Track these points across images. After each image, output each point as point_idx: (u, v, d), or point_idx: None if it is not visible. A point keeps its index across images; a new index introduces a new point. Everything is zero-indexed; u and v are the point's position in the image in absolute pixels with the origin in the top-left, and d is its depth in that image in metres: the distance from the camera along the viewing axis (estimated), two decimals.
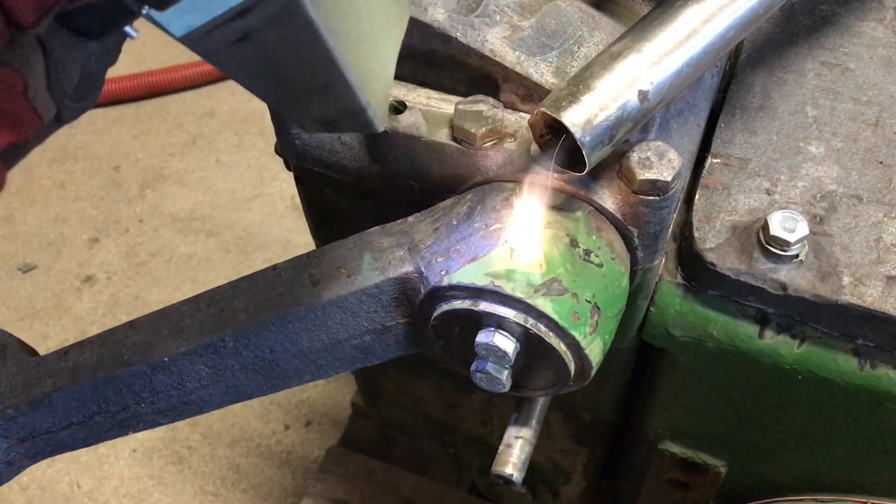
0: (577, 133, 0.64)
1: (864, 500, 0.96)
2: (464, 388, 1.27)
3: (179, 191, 2.68)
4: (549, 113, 0.65)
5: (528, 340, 0.70)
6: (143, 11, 0.44)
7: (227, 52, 0.51)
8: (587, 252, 0.72)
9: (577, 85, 0.66)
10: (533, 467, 1.38)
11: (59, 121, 0.49)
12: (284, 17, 0.49)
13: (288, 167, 0.93)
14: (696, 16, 0.68)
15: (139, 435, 2.18)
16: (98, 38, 0.47)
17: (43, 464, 2.12)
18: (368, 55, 0.57)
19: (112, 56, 0.50)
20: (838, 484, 0.98)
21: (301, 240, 2.50)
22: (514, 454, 0.84)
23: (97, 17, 0.44)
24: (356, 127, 0.59)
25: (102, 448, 2.16)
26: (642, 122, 0.68)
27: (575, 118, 0.64)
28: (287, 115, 0.60)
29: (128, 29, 0.46)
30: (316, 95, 0.57)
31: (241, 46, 0.51)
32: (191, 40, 0.50)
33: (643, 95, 0.66)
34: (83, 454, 2.15)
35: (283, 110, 0.59)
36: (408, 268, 0.73)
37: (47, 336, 2.36)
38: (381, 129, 0.60)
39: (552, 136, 0.68)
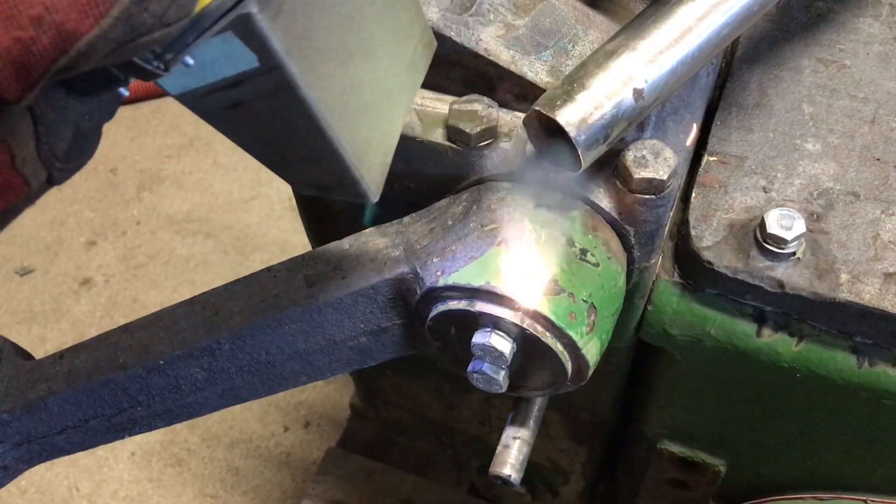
0: (571, 132, 0.64)
1: (864, 499, 0.96)
2: (462, 388, 1.27)
3: (177, 193, 2.68)
4: (544, 112, 0.65)
5: (525, 341, 0.70)
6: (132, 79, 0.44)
7: (220, 115, 0.52)
8: (583, 251, 0.72)
9: (572, 84, 0.66)
10: (532, 467, 1.38)
11: (50, 183, 0.47)
12: (277, 93, 0.49)
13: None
14: (691, 13, 0.68)
15: (138, 437, 2.17)
16: (92, 95, 0.46)
17: (41, 467, 2.12)
18: (368, 127, 0.57)
19: (108, 112, 0.48)
20: (838, 482, 0.98)
21: (299, 241, 2.50)
22: (512, 455, 0.83)
23: (90, 80, 0.43)
24: (349, 196, 0.59)
25: (101, 451, 2.16)
26: (637, 120, 0.68)
27: (570, 117, 0.64)
28: (280, 175, 0.59)
29: (121, 89, 0.45)
30: (309, 164, 0.56)
31: (234, 112, 0.51)
32: (184, 100, 0.50)
33: (638, 94, 0.65)
34: (82, 457, 2.15)
35: (276, 171, 0.59)
36: (403, 268, 0.73)
37: (45, 339, 2.35)
38: (374, 199, 0.59)
39: (547, 135, 0.68)
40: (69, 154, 0.46)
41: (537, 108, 0.65)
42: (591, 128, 0.64)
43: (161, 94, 2.91)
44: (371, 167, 0.58)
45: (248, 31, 0.45)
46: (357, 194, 0.59)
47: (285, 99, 0.50)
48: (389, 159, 0.61)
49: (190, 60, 0.44)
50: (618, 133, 0.67)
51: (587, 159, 0.66)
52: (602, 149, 0.67)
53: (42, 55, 0.38)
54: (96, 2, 0.38)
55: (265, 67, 0.47)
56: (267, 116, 0.52)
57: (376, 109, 0.58)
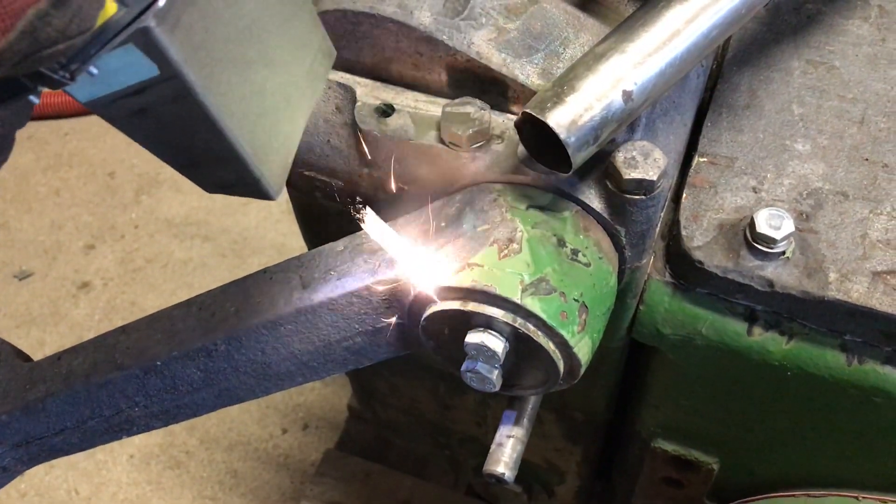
0: (561, 134, 0.65)
1: (856, 495, 0.97)
2: (457, 389, 1.28)
3: (175, 196, 2.69)
4: (534, 114, 0.66)
5: (518, 340, 0.71)
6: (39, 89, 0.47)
7: (127, 120, 0.55)
8: (574, 251, 0.73)
9: (562, 86, 0.66)
10: (528, 467, 1.39)
11: None
12: (178, 99, 0.52)
13: None
14: (679, 16, 0.69)
15: (137, 440, 2.18)
16: (3, 104, 0.48)
17: (41, 470, 2.12)
18: (268, 130, 0.60)
19: (19, 119, 0.50)
20: (829, 479, 0.99)
21: (296, 244, 2.50)
22: (506, 453, 0.84)
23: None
24: (252, 193, 0.62)
25: (100, 454, 2.16)
26: (627, 122, 0.69)
27: (559, 119, 0.65)
28: (187, 177, 0.62)
29: (31, 97, 0.47)
30: (212, 165, 0.60)
31: (140, 117, 0.54)
32: (93, 106, 0.53)
33: (627, 96, 0.66)
34: (81, 460, 2.15)
35: (183, 173, 0.62)
36: (398, 269, 0.74)
37: (44, 343, 2.36)
38: (275, 197, 0.62)
39: (538, 137, 0.69)
40: None
41: (528, 110, 0.66)
42: (580, 130, 0.65)
43: None
44: (272, 167, 0.61)
45: (147, 43, 0.47)
46: (259, 192, 0.62)
47: (186, 105, 0.52)
48: (291, 160, 0.64)
49: (94, 70, 0.47)
50: (607, 135, 0.67)
51: (577, 160, 0.67)
52: (592, 150, 0.67)
53: None
54: (2, 16, 0.39)
55: (165, 76, 0.50)
56: (171, 121, 0.55)
57: (276, 114, 0.61)
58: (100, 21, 0.43)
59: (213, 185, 0.63)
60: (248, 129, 0.57)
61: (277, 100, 0.61)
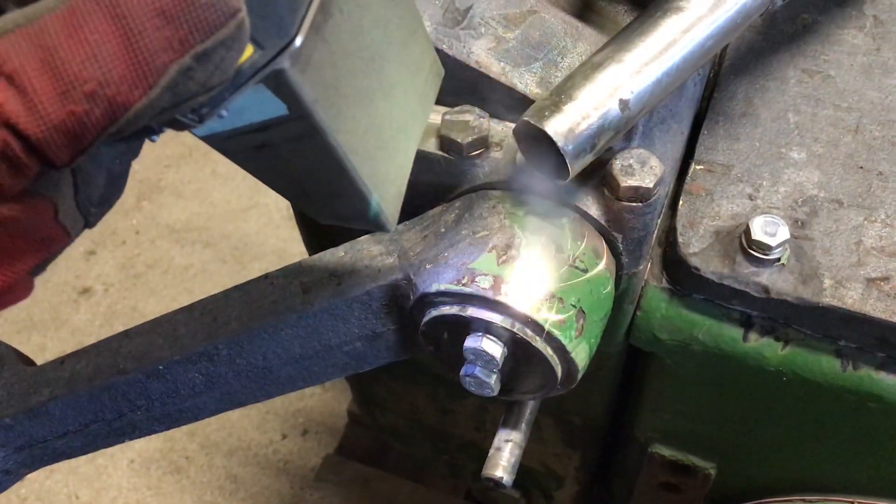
0: (559, 142, 0.66)
1: (852, 500, 0.97)
2: (456, 393, 1.29)
3: (176, 202, 2.70)
4: (533, 122, 0.67)
5: (516, 345, 0.72)
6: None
7: (244, 154, 0.54)
8: (572, 258, 0.73)
9: (560, 95, 0.67)
10: (526, 472, 1.40)
11: (86, 227, 0.49)
12: (304, 138, 0.50)
13: None
14: (676, 26, 0.70)
15: (137, 445, 2.19)
16: (125, 141, 0.47)
17: (41, 475, 2.13)
18: (386, 161, 0.58)
19: (135, 152, 0.50)
20: (826, 484, 1.00)
21: (297, 249, 2.51)
22: (504, 457, 0.85)
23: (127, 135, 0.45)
24: (368, 227, 0.61)
25: (100, 459, 2.17)
26: (624, 130, 0.70)
27: (557, 127, 0.66)
28: (301, 209, 0.61)
29: (153, 137, 0.46)
30: (330, 199, 0.58)
31: (258, 152, 0.53)
32: (210, 140, 0.52)
33: (624, 104, 0.67)
34: (81, 465, 2.16)
35: (297, 204, 0.61)
36: (397, 275, 0.75)
37: (45, 348, 2.37)
38: (391, 229, 0.61)
39: (536, 145, 0.70)
40: (103, 198, 0.49)
41: (526, 118, 0.67)
42: (578, 138, 0.66)
43: None
44: (388, 199, 0.60)
45: (279, 84, 0.46)
46: (377, 225, 0.61)
47: (311, 143, 0.51)
48: (404, 189, 0.63)
49: (224, 112, 0.45)
50: (605, 143, 0.68)
51: (575, 168, 0.68)
52: (589, 158, 0.69)
53: (94, 126, 0.40)
54: (146, 74, 0.39)
55: (294, 115, 0.49)
56: (292, 157, 0.53)
57: (393, 144, 0.60)
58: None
59: (328, 216, 0.62)
60: (369, 164, 0.56)
61: (394, 130, 0.59)
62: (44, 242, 0.46)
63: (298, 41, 0.45)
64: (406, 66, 0.59)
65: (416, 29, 0.60)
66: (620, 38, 0.71)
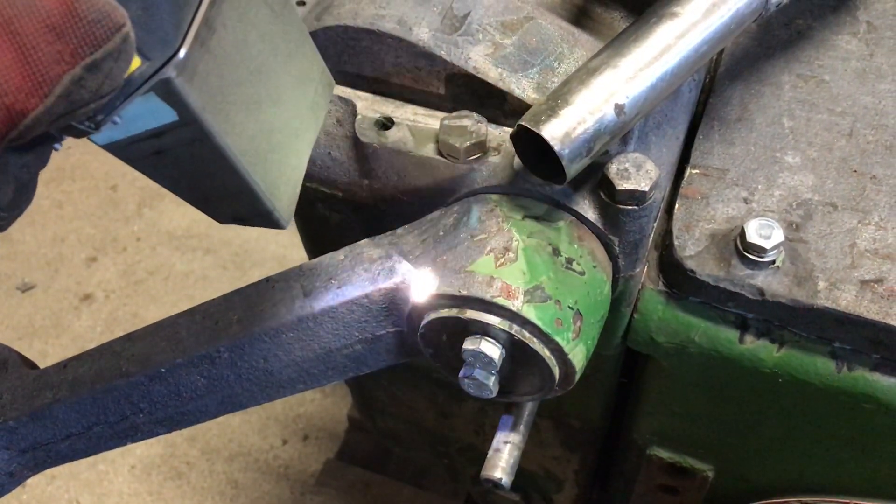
0: (555, 146, 0.67)
1: (847, 501, 0.98)
2: (456, 397, 1.29)
3: (176, 209, 2.71)
4: (529, 127, 0.68)
5: (514, 346, 0.73)
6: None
7: (143, 160, 0.57)
8: (569, 260, 0.74)
9: (556, 100, 0.68)
10: (526, 475, 1.41)
11: None
12: (196, 142, 0.55)
13: None
14: (671, 32, 0.71)
15: (138, 451, 2.19)
16: (28, 151, 0.51)
17: (42, 480, 2.13)
18: (278, 164, 0.63)
19: (42, 161, 0.53)
20: (822, 485, 1.00)
21: (297, 255, 2.52)
22: (503, 458, 0.86)
23: (27, 142, 0.48)
24: (264, 223, 0.65)
25: (102, 464, 2.18)
26: (619, 134, 0.71)
27: (554, 132, 0.67)
28: (202, 210, 0.65)
29: (55, 145, 0.50)
30: (227, 200, 0.62)
31: (156, 158, 0.57)
32: (111, 149, 0.56)
33: (619, 109, 0.68)
34: (83, 471, 2.16)
35: (199, 207, 0.65)
36: (397, 278, 0.76)
37: (46, 354, 2.37)
38: (285, 226, 0.66)
39: (533, 149, 0.71)
40: (12, 204, 0.51)
41: (523, 123, 0.68)
42: (574, 142, 0.67)
43: None
44: (282, 198, 0.64)
45: (168, 93, 0.50)
46: (271, 223, 0.65)
47: (202, 146, 0.55)
48: (298, 189, 0.67)
49: (118, 119, 0.50)
50: (600, 147, 0.69)
51: (571, 172, 0.69)
52: (585, 162, 0.70)
53: None
54: (40, 83, 0.43)
55: (184, 121, 0.53)
56: (187, 161, 0.57)
57: (285, 148, 0.64)
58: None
59: (226, 216, 0.66)
60: (261, 165, 0.60)
61: (285, 135, 0.63)
62: None
63: (182, 53, 0.49)
64: (293, 76, 0.63)
65: (303, 42, 0.65)
66: (616, 44, 0.72)
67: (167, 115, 0.52)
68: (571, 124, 0.67)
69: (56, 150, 0.51)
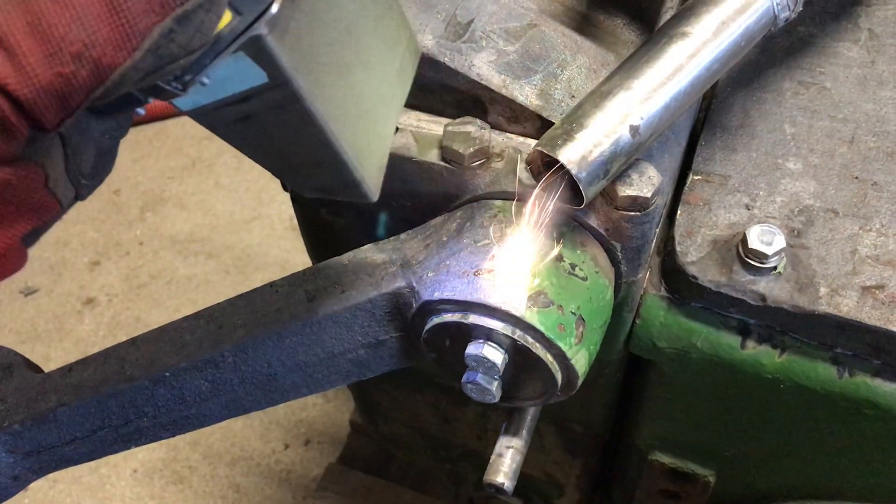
0: (573, 170, 0.67)
1: None
2: (458, 402, 1.30)
3: (179, 213, 2.72)
4: (546, 152, 0.68)
5: (516, 351, 0.73)
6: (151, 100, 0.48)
7: (229, 127, 0.55)
8: (572, 266, 0.75)
9: (571, 123, 0.69)
10: (528, 480, 1.41)
11: (77, 199, 0.51)
12: (285, 106, 0.52)
13: (285, 188, 0.96)
14: (682, 52, 0.71)
15: (140, 455, 2.19)
16: (112, 116, 0.49)
17: (45, 485, 2.14)
18: (366, 132, 0.60)
19: (124, 129, 0.51)
20: (823, 490, 1.01)
21: (299, 260, 2.53)
22: (506, 463, 0.86)
23: (114, 103, 0.46)
24: (351, 196, 0.63)
25: (104, 469, 2.18)
26: (635, 155, 0.71)
27: (570, 156, 0.67)
28: (286, 182, 0.63)
29: (139, 109, 0.49)
30: (313, 169, 0.60)
31: (243, 124, 0.55)
32: (195, 115, 0.54)
33: (634, 130, 0.69)
34: (85, 475, 2.17)
35: (282, 178, 0.63)
36: (400, 283, 0.76)
37: (49, 358, 2.38)
38: (374, 199, 0.63)
39: (550, 173, 0.71)
40: (93, 171, 0.51)
41: (539, 148, 0.69)
42: (591, 165, 0.67)
43: (164, 116, 2.95)
44: (370, 169, 0.62)
45: (258, 51, 0.48)
46: (359, 195, 0.62)
47: (292, 111, 0.53)
48: (385, 161, 0.64)
49: (206, 80, 0.47)
50: (617, 168, 0.70)
51: (589, 195, 0.69)
52: (603, 184, 0.70)
53: (81, 87, 0.42)
54: (129, 36, 0.41)
55: (274, 83, 0.50)
56: (274, 127, 0.55)
57: (373, 115, 0.62)
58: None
59: (312, 188, 0.64)
60: (350, 132, 0.57)
61: (374, 101, 0.61)
62: (35, 209, 0.47)
63: (275, 8, 0.47)
64: (382, 40, 0.61)
65: (392, 5, 0.62)
66: (628, 66, 0.72)
67: (256, 77, 0.50)
68: (588, 147, 0.67)
69: (139, 114, 0.49)
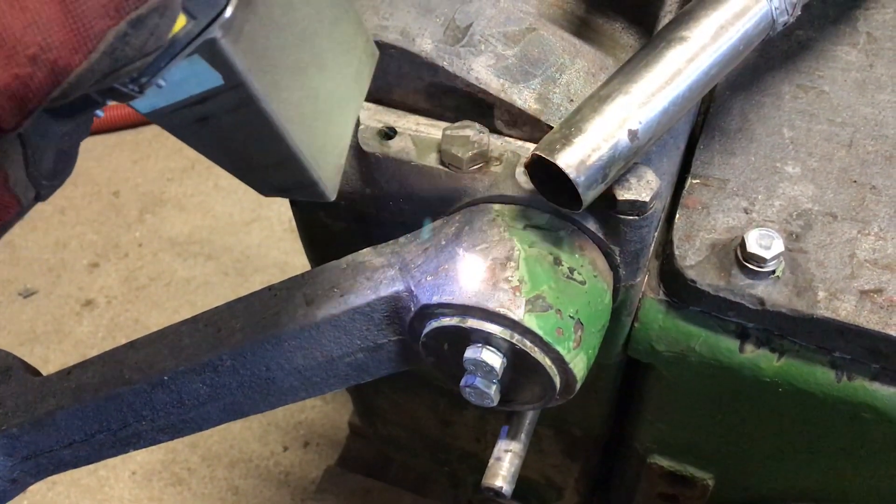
0: (571, 174, 0.67)
1: None
2: (457, 405, 1.30)
3: (178, 215, 2.71)
4: (544, 156, 0.68)
5: (515, 355, 0.73)
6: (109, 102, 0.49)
7: (188, 129, 0.57)
8: (570, 270, 0.75)
9: (570, 128, 0.69)
10: (526, 483, 1.41)
11: (38, 199, 0.52)
12: (241, 107, 0.54)
13: None
14: (680, 56, 0.71)
15: (139, 457, 2.19)
16: (71, 118, 0.50)
17: (43, 487, 2.14)
18: (323, 132, 0.62)
19: (84, 131, 0.52)
20: (821, 494, 1.01)
21: (299, 262, 2.53)
22: (504, 467, 0.86)
23: (72, 106, 0.47)
24: (309, 196, 0.64)
25: (102, 471, 2.18)
26: (634, 160, 0.71)
27: (569, 160, 0.67)
28: (246, 182, 0.64)
29: (97, 111, 0.50)
30: (271, 169, 0.61)
31: (200, 125, 0.56)
32: (154, 117, 0.55)
33: (633, 135, 0.69)
34: (83, 477, 2.17)
35: (241, 178, 0.64)
36: (399, 287, 0.76)
37: (48, 360, 2.38)
38: (332, 198, 0.64)
39: (548, 177, 0.71)
40: (53, 172, 0.52)
41: (537, 152, 0.69)
42: (589, 169, 0.67)
43: None
44: (327, 169, 0.63)
45: (213, 54, 0.49)
46: (316, 194, 0.63)
47: (248, 112, 0.54)
48: (343, 161, 0.65)
49: (162, 82, 0.48)
50: (615, 173, 0.69)
51: (587, 199, 0.69)
52: (601, 188, 0.69)
53: (38, 89, 0.42)
54: (85, 39, 0.42)
55: (229, 85, 0.52)
56: (232, 128, 0.56)
57: (329, 116, 0.63)
58: (169, 35, 0.46)
59: (270, 188, 0.65)
60: (306, 133, 0.59)
61: (330, 103, 0.62)
62: None
63: (229, 12, 0.48)
64: (338, 43, 0.62)
65: (347, 9, 0.63)
66: (626, 70, 0.72)
67: (212, 80, 0.51)
68: (586, 152, 0.67)
69: (98, 116, 0.50)
